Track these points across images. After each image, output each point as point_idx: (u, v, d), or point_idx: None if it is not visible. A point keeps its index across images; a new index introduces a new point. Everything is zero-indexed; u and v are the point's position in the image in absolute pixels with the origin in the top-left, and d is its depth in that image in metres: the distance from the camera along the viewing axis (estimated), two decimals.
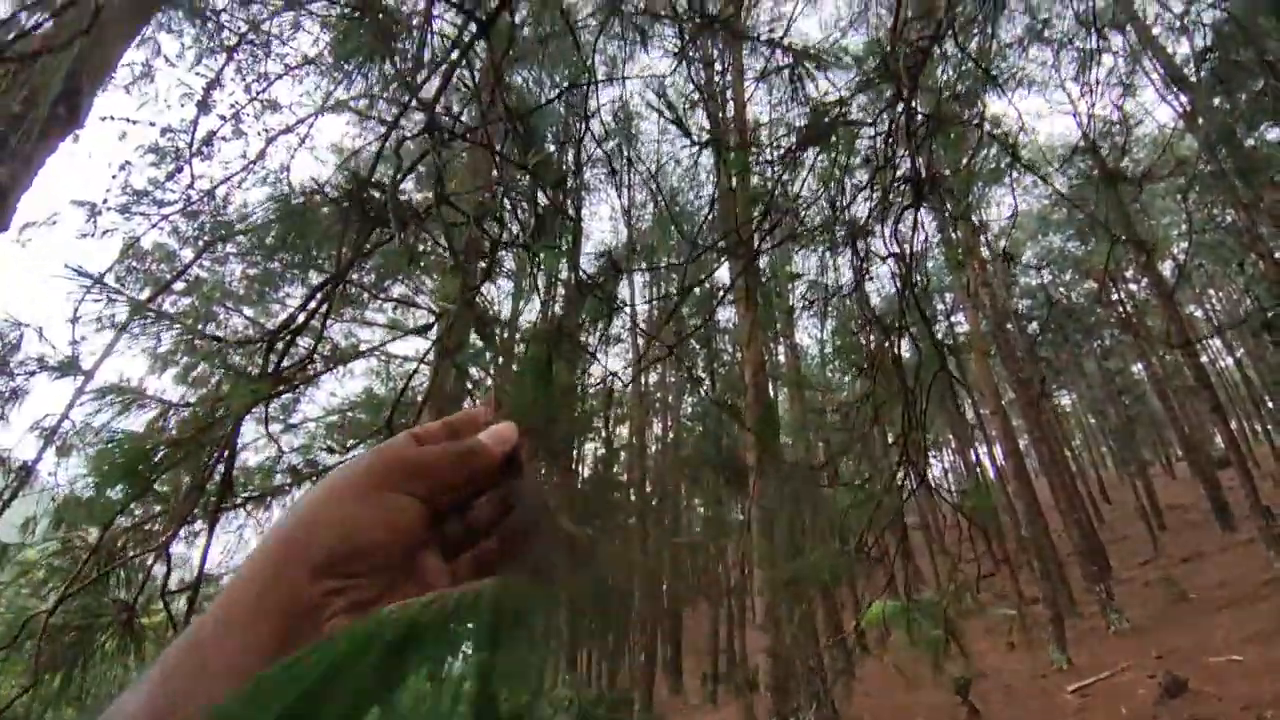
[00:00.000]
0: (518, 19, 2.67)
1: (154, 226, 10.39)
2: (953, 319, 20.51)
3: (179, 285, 12.19)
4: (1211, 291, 33.65)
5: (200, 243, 11.47)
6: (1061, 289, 24.38)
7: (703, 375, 17.67)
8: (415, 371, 2.17)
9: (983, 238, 12.80)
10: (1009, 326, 15.82)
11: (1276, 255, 13.53)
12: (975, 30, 4.46)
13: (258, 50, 9.15)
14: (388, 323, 12.68)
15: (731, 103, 10.43)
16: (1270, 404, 29.28)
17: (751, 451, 8.97)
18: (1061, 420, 33.77)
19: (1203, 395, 15.78)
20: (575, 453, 16.74)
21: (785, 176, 2.64)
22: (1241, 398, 32.97)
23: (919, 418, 2.64)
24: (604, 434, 17.71)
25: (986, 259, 14.50)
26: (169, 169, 10.33)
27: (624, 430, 22.69)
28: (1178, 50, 10.91)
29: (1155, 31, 11.20)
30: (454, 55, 1.90)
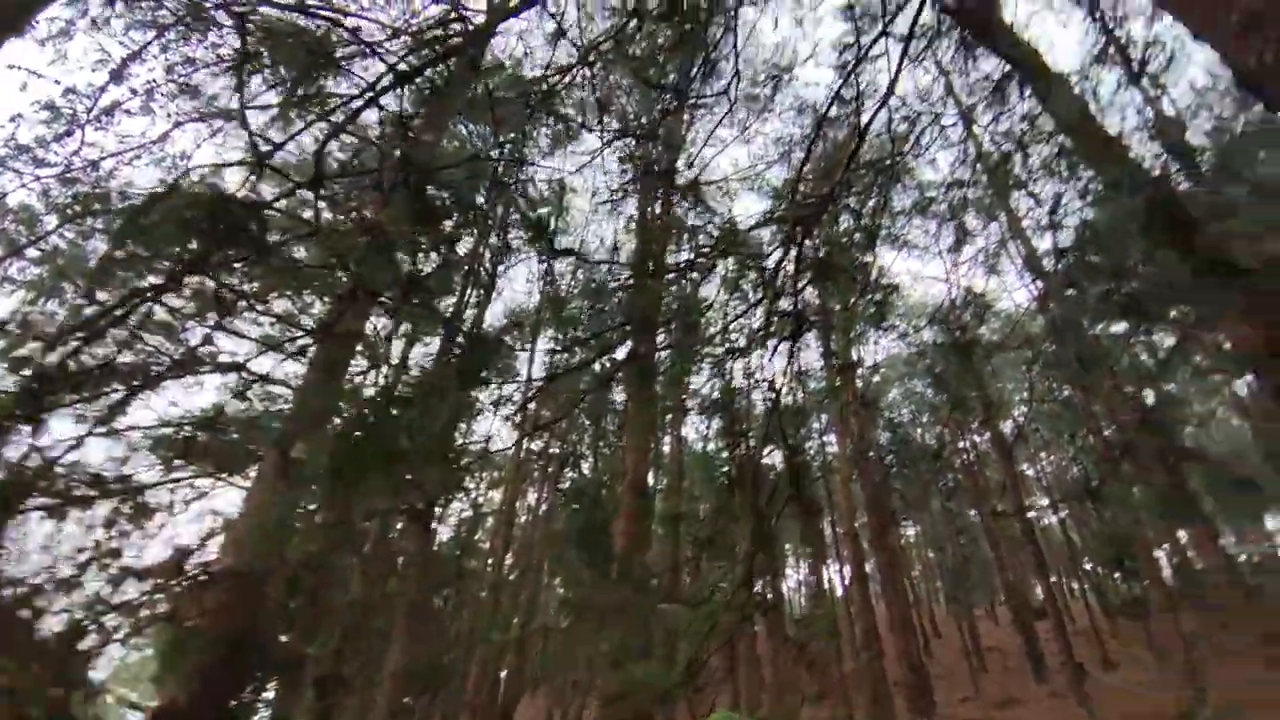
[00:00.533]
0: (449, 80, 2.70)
1: (23, 186, 9.35)
2: (825, 439, 21.76)
3: (33, 253, 10.90)
4: (1044, 454, 37.70)
5: (69, 212, 10.35)
6: (919, 429, 26.59)
7: (586, 453, 17.49)
8: (245, 391, 1.98)
9: (858, 370, 13.86)
10: (871, 454, 16.95)
11: (1105, 433, 15.41)
12: (873, 193, 5.01)
13: (191, 34, 8.69)
14: (260, 337, 11.71)
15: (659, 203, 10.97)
16: (1088, 565, 32.30)
17: (622, 537, 8.84)
18: (905, 550, 35.87)
19: (1027, 549, 17.40)
20: (439, 512, 15.76)
21: (684, 290, 2.76)
22: (1064, 555, 36.19)
23: (766, 536, 2.71)
24: (471, 497, 16.91)
25: (859, 388, 15.68)
26: (59, 130, 9.43)
27: (497, 495, 21.75)
28: (1040, 245, 12.37)
29: (1025, 224, 12.74)
30: (367, 97, 1.87)
